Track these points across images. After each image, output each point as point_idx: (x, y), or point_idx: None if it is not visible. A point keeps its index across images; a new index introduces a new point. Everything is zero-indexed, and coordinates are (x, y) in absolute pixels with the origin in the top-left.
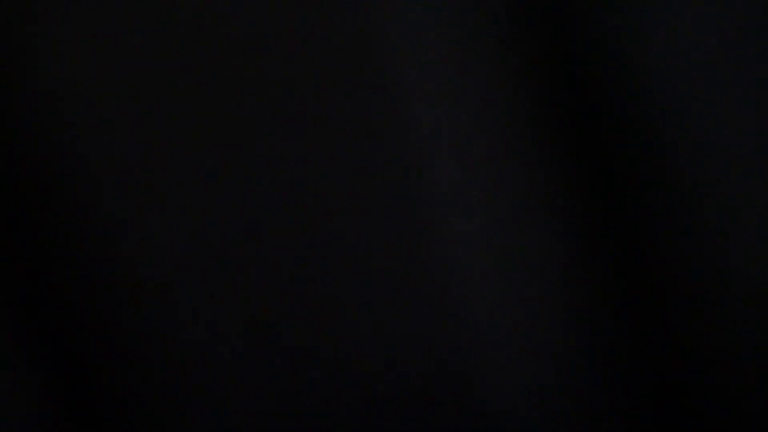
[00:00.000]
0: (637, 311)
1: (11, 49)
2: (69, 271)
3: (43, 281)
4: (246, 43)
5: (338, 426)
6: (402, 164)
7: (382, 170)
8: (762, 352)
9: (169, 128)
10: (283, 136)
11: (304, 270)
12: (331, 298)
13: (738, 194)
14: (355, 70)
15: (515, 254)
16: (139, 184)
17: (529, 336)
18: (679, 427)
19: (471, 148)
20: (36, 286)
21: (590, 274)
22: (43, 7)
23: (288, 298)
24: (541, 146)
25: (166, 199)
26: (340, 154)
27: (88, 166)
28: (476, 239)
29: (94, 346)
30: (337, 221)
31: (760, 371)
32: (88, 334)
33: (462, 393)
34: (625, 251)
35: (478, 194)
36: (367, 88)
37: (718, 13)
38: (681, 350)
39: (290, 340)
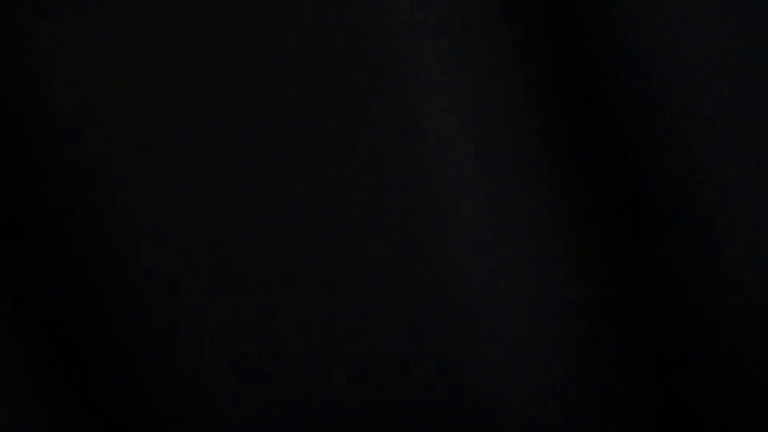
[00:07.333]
0: (639, 312)
1: (18, 50)
2: (69, 270)
3: (43, 280)
4: (252, 43)
5: (342, 426)
6: (408, 165)
7: (387, 171)
8: (762, 353)
9: (175, 128)
10: (289, 137)
11: (310, 270)
12: (337, 298)
13: (740, 194)
14: (362, 71)
15: (521, 255)
16: (141, 183)
17: (534, 337)
18: (680, 428)
19: (477, 148)
20: (38, 284)
21: (594, 275)
22: (49, 9)
23: (294, 298)
24: (546, 147)
25: (170, 200)
26: (345, 154)
27: (88, 164)
28: (482, 240)
29: (94, 345)
30: (342, 221)
31: (761, 372)
32: (88, 333)
33: (467, 393)
34: (629, 252)
35: (484, 194)
36: (373, 88)
37: (722, 11)
38: (682, 351)
39: (295, 341)
